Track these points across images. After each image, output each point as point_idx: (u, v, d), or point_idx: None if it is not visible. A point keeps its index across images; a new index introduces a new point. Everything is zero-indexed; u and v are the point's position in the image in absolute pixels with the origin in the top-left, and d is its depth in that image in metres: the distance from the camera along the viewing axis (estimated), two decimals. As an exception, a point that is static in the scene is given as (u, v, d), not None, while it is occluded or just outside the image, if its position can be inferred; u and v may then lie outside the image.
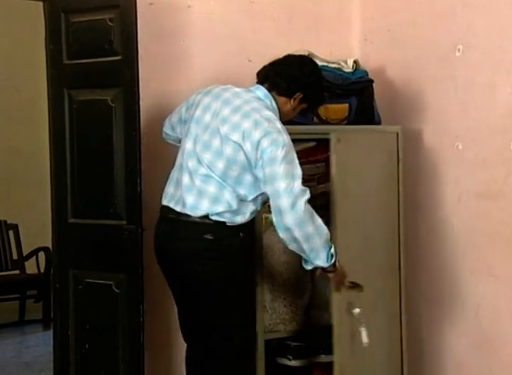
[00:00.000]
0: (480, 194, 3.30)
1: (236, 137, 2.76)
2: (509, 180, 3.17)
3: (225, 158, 2.78)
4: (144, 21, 3.26)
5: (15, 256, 6.04)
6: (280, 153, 2.71)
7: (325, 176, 3.32)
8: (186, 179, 2.83)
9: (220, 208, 2.78)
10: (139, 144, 3.18)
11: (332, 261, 2.80)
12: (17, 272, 6.02)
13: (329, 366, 3.34)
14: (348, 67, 3.48)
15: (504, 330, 3.23)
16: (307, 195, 2.72)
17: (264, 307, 3.21)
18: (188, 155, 2.85)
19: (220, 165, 2.78)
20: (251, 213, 2.87)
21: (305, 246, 2.73)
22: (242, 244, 2.86)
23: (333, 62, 3.47)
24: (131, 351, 3.23)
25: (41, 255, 5.88)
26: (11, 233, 6.06)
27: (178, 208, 2.84)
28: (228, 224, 2.81)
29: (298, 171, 2.74)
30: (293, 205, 2.67)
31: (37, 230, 5.49)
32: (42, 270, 5.87)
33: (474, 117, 3.32)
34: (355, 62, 3.51)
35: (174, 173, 2.93)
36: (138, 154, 3.18)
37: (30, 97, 6.21)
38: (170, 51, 3.54)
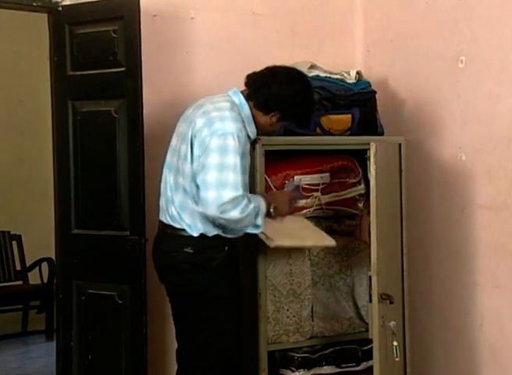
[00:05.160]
0: (483, 206, 3.29)
1: (190, 133, 2.76)
2: (512, 191, 3.17)
3: (184, 158, 2.76)
4: (148, 33, 3.28)
5: (18, 267, 6.04)
6: (215, 142, 2.66)
7: (330, 187, 3.34)
8: (166, 191, 2.85)
9: (187, 216, 2.75)
10: (142, 155, 3.19)
11: (260, 230, 2.77)
12: (20, 282, 6.02)
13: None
14: (351, 78, 3.48)
15: (509, 341, 3.22)
16: (238, 190, 2.62)
17: (268, 318, 3.20)
18: (168, 167, 2.86)
19: (186, 169, 2.76)
20: None
21: (231, 226, 2.71)
22: (226, 259, 2.81)
23: (336, 73, 3.48)
24: (134, 362, 3.23)
25: (44, 265, 5.89)
26: (14, 243, 6.06)
27: (164, 219, 2.87)
28: (213, 236, 2.77)
29: (233, 161, 2.64)
30: (217, 200, 2.61)
31: (40, 240, 5.50)
32: (45, 281, 5.88)
33: (478, 128, 3.32)
34: (358, 73, 3.51)
35: (161, 187, 2.93)
36: (142, 165, 3.19)
37: (33, 108, 6.23)
38: (173, 62, 3.56)
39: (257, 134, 2.91)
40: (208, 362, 2.82)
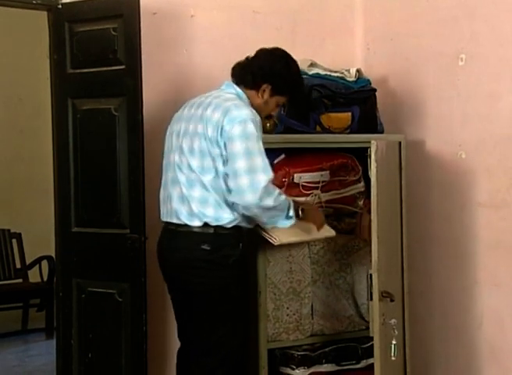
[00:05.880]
0: (483, 204, 3.29)
1: (200, 128, 2.76)
2: (512, 189, 3.17)
3: (198, 153, 2.76)
4: (148, 30, 3.27)
5: (18, 265, 6.04)
6: (236, 130, 2.69)
7: (330, 185, 3.34)
8: (177, 191, 2.82)
9: (210, 210, 2.75)
10: (142, 153, 3.19)
11: (292, 221, 2.82)
12: (20, 280, 6.02)
13: (332, 375, 3.35)
14: (351, 76, 3.49)
15: (508, 340, 3.22)
16: (269, 173, 2.69)
17: (268, 316, 3.20)
18: (174, 167, 2.85)
19: (195, 162, 2.76)
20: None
21: (264, 215, 2.76)
22: (241, 257, 2.81)
23: (336, 71, 3.48)
24: (134, 359, 3.23)
25: (44, 263, 5.89)
26: (14, 241, 6.06)
27: (175, 220, 2.84)
28: (228, 232, 2.77)
29: (257, 146, 2.70)
30: (253, 186, 2.65)
31: (40, 238, 5.50)
32: (45, 279, 5.88)
33: (477, 126, 3.32)
34: (358, 71, 3.52)
35: (164, 190, 2.91)
36: (142, 163, 3.19)
37: (33, 106, 6.23)
38: (173, 60, 3.56)
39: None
40: (217, 361, 2.80)
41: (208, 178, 2.75)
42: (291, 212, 2.81)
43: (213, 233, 2.77)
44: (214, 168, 2.74)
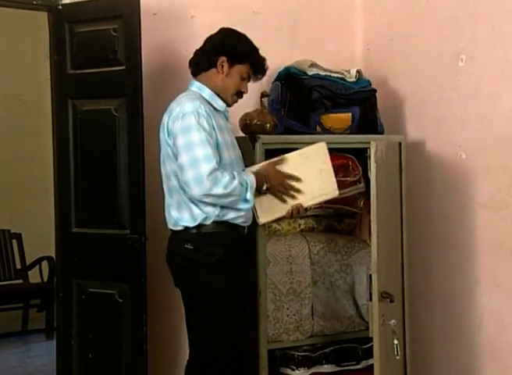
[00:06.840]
0: (483, 204, 3.29)
1: (161, 134, 2.84)
2: (512, 190, 3.17)
3: (163, 159, 2.84)
4: (148, 31, 3.27)
5: (18, 265, 6.03)
6: (177, 125, 2.73)
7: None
8: (168, 200, 2.89)
9: (186, 213, 2.79)
10: (142, 154, 3.20)
11: (251, 204, 2.78)
12: (20, 281, 6.01)
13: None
14: (351, 77, 3.49)
15: (509, 340, 3.22)
16: (211, 162, 2.67)
17: (268, 317, 3.20)
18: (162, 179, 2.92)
19: (164, 169, 2.84)
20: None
21: (221, 202, 2.75)
22: (226, 256, 2.80)
23: (336, 72, 3.48)
24: (134, 360, 3.23)
25: (45, 264, 5.89)
26: (14, 242, 6.06)
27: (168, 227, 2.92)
28: (212, 231, 2.78)
29: (198, 137, 2.69)
30: (197, 178, 2.65)
31: (40, 239, 5.50)
32: (45, 280, 5.87)
33: (478, 127, 3.32)
34: (358, 71, 3.52)
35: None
36: (142, 163, 3.20)
37: (34, 107, 6.23)
38: (174, 60, 3.55)
39: (229, 104, 2.92)
40: (206, 360, 2.82)
41: (174, 181, 2.81)
42: (248, 195, 2.76)
43: (196, 233, 2.80)
44: (175, 170, 2.79)
